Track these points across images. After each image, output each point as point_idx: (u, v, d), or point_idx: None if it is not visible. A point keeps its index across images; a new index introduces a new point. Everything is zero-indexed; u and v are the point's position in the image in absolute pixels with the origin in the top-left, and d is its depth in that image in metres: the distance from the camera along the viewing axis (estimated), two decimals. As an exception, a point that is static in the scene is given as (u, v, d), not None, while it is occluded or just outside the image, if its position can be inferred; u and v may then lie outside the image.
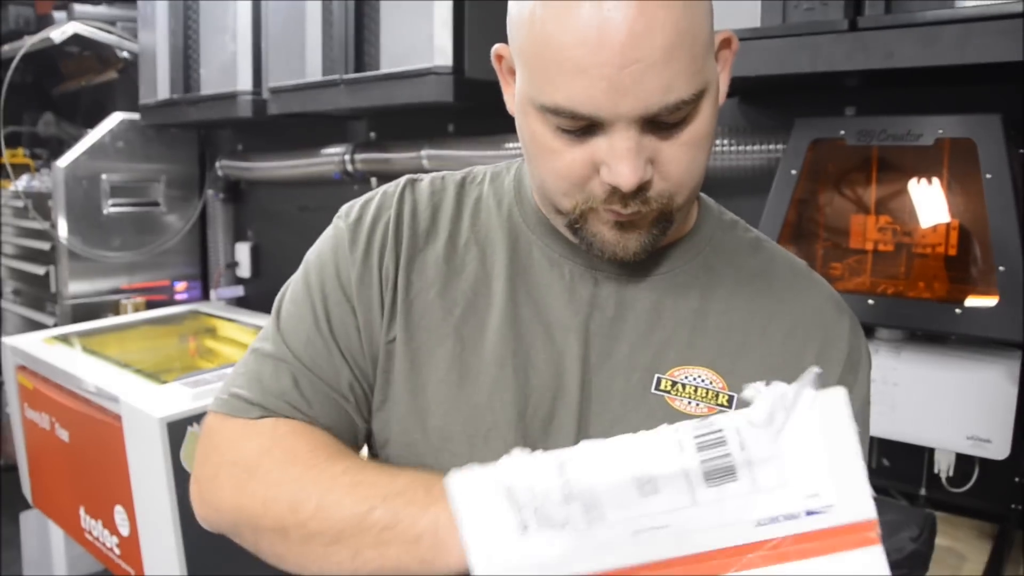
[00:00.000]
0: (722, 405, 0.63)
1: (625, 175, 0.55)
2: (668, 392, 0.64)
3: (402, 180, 0.73)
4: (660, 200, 0.58)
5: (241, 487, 0.62)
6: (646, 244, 0.61)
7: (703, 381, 0.64)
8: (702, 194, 0.73)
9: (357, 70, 1.74)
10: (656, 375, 0.64)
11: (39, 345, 2.09)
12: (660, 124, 0.56)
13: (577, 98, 0.54)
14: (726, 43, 0.62)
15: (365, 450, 0.71)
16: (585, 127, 0.56)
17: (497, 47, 0.64)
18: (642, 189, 0.57)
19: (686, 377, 0.64)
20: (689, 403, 0.63)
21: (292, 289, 0.71)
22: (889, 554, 1.04)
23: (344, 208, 0.73)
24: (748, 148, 1.42)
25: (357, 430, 0.68)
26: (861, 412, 0.67)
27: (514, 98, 0.62)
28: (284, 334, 0.68)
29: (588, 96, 0.54)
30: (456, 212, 0.70)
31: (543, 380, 0.64)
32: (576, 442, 0.62)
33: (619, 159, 0.55)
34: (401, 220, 0.69)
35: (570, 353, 0.65)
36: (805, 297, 0.68)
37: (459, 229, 0.69)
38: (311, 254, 0.72)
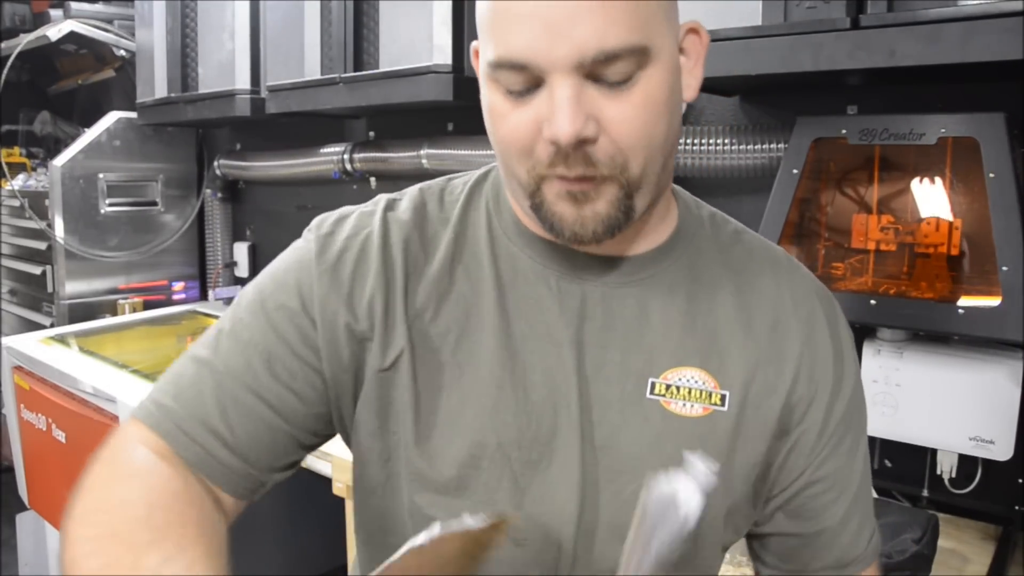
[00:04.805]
0: (716, 404, 0.64)
1: (562, 125, 0.54)
2: (663, 396, 0.64)
3: (381, 201, 0.70)
4: (610, 166, 0.57)
5: (91, 513, 0.58)
6: (605, 222, 0.59)
7: (696, 382, 0.64)
8: (678, 188, 0.73)
9: (356, 69, 1.73)
10: (650, 379, 0.64)
11: (36, 345, 2.08)
12: (603, 80, 0.55)
13: (514, 45, 0.55)
14: (693, 31, 0.62)
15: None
16: (529, 85, 0.56)
17: (474, 43, 0.63)
18: (583, 144, 0.55)
19: (679, 379, 0.64)
20: (684, 405, 0.64)
21: (247, 298, 0.67)
22: (891, 556, 1.04)
23: (316, 220, 0.70)
24: (749, 147, 1.41)
25: (294, 445, 0.66)
26: (855, 394, 0.69)
27: None
28: (220, 340, 0.65)
29: (524, 41, 0.54)
30: (440, 231, 0.68)
31: (542, 395, 0.63)
32: (581, 454, 0.63)
33: (557, 110, 0.54)
34: (388, 243, 0.66)
35: (565, 366, 0.64)
36: (785, 288, 0.69)
37: (446, 249, 0.67)
38: (274, 262, 0.69)
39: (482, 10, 0.58)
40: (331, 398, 0.66)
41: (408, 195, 0.71)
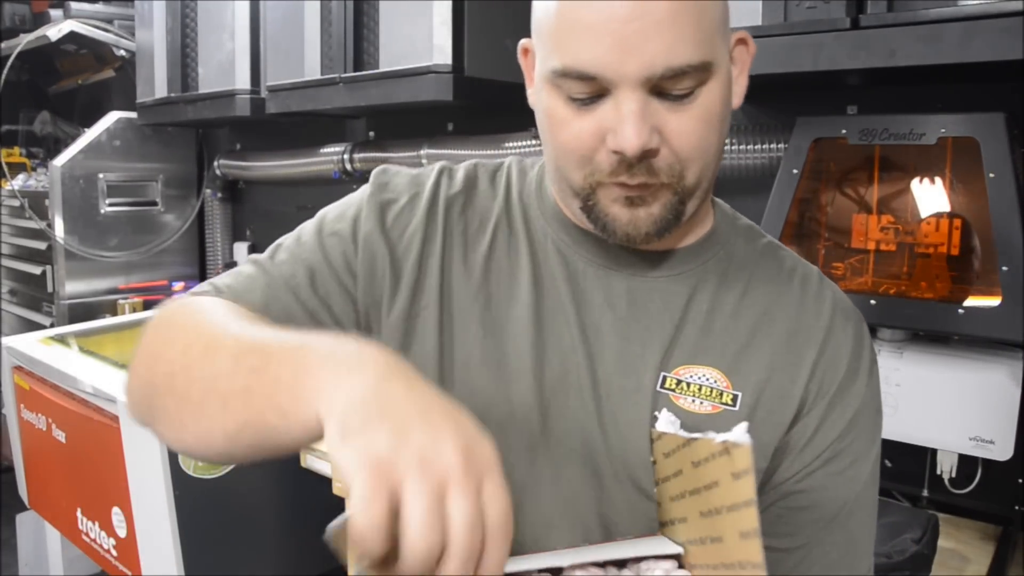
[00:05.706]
0: (727, 404, 0.64)
1: (629, 138, 0.55)
2: (673, 390, 0.64)
3: (437, 166, 0.74)
4: (669, 174, 0.59)
5: (151, 340, 0.61)
6: (658, 224, 0.61)
7: (708, 380, 0.64)
8: (718, 200, 0.74)
9: (356, 69, 1.73)
10: (662, 373, 0.65)
11: (36, 345, 2.07)
12: (667, 95, 0.57)
13: (583, 56, 0.55)
14: (742, 41, 0.63)
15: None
16: (593, 95, 0.57)
17: (523, 41, 0.65)
18: (647, 156, 0.57)
19: (691, 376, 0.64)
20: (693, 401, 0.64)
21: (309, 225, 0.73)
22: (891, 556, 1.04)
23: (378, 168, 0.74)
24: (750, 147, 1.41)
25: None
26: (860, 417, 0.66)
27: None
28: (278, 252, 0.71)
29: (593, 54, 0.55)
30: (488, 204, 0.71)
31: (555, 374, 0.65)
32: (591, 439, 0.64)
33: (624, 122, 0.56)
34: (436, 202, 0.70)
35: (577, 352, 0.65)
36: (811, 303, 0.69)
37: (490, 221, 0.70)
38: (339, 200, 0.74)
39: (544, 14, 0.59)
40: (362, 330, 0.69)
41: (463, 167, 0.74)
